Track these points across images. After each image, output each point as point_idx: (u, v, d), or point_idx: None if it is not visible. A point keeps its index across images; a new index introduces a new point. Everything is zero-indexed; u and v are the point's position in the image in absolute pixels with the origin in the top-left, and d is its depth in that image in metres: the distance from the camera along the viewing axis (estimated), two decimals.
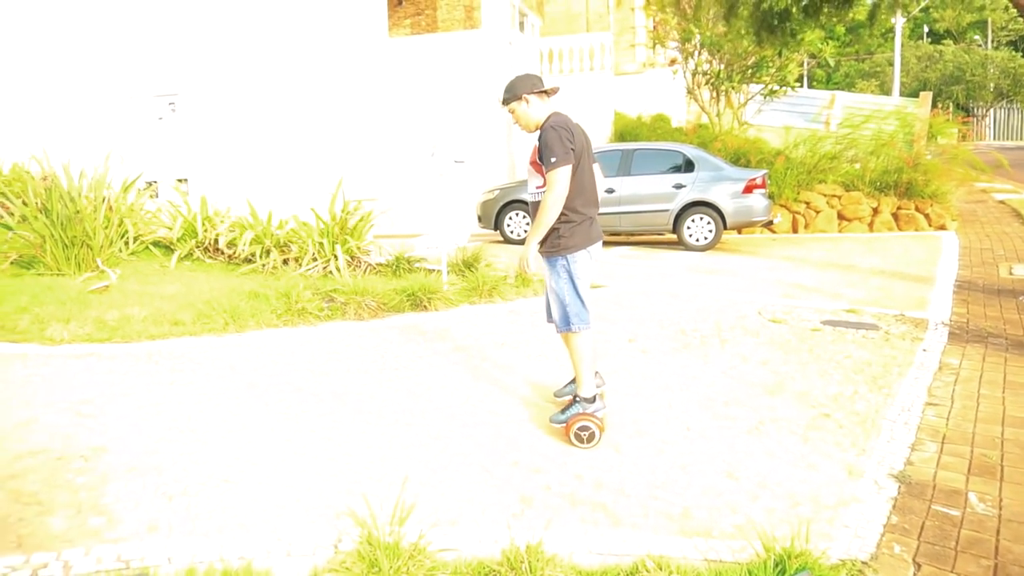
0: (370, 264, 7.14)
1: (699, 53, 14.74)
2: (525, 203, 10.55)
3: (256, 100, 8.38)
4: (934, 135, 14.17)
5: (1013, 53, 36.29)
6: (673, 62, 15.75)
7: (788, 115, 17.71)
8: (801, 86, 20.20)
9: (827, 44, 14.14)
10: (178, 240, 7.33)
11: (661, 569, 2.31)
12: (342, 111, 8.80)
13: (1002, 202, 13.04)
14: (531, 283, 6.56)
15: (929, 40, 42.87)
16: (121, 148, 7.93)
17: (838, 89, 33.08)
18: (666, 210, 9.89)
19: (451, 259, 6.93)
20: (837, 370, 4.50)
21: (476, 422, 3.63)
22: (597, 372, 3.70)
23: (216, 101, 8.46)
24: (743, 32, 12.45)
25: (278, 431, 3.39)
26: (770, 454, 3.34)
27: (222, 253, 7.34)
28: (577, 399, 3.51)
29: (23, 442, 3.03)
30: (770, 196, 10.38)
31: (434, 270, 6.81)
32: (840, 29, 14.30)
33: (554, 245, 3.39)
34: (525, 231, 10.58)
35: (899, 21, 28.43)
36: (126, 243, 6.81)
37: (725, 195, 9.70)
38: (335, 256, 6.75)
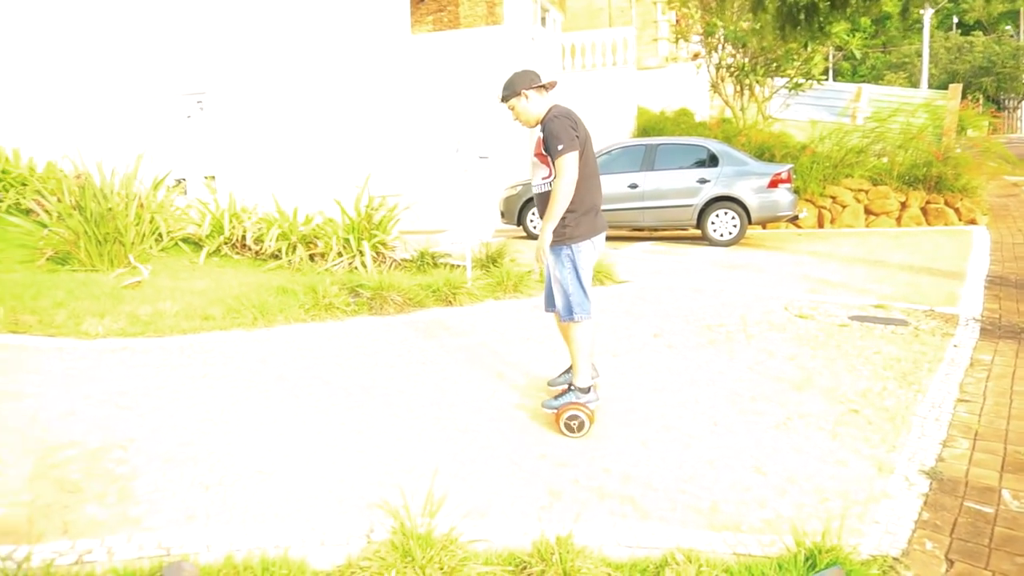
0: (395, 260, 7.20)
1: (723, 47, 14.62)
2: None
3: (282, 97, 8.47)
4: (964, 128, 13.94)
5: None
6: (696, 56, 15.63)
7: (813, 109, 17.50)
8: (826, 79, 19.92)
9: (853, 36, 13.91)
10: (206, 236, 7.44)
11: (691, 562, 2.32)
12: (366, 108, 8.87)
13: None
14: None
15: (959, 31, 42.05)
16: (151, 146, 8.07)
17: (864, 82, 32.58)
18: (690, 205, 9.84)
19: (475, 254, 6.96)
20: (866, 366, 4.46)
21: (503, 416, 3.65)
22: (593, 365, 3.73)
23: (243, 99, 8.57)
24: (769, 26, 12.33)
25: (309, 424, 3.45)
26: (798, 449, 3.33)
27: (249, 249, 7.44)
28: (572, 388, 3.55)
29: (65, 433, 3.11)
30: (795, 191, 10.28)
31: (458, 265, 6.85)
32: (866, 21, 14.04)
33: (559, 235, 3.42)
34: None
35: (927, 12, 27.93)
36: (156, 239, 6.93)
37: (750, 190, 9.62)
38: (360, 252, 6.82)
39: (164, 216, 7.21)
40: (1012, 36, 39.36)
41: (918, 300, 6.13)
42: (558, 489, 2.93)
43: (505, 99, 3.53)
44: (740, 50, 14.41)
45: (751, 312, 5.75)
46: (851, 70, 41.89)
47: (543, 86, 3.50)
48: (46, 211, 6.34)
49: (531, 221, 10.70)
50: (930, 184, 11.38)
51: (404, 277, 6.48)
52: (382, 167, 8.42)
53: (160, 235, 7.00)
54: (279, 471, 2.94)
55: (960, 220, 11.01)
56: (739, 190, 9.64)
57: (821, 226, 11.63)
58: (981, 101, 32.04)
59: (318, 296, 5.41)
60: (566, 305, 3.49)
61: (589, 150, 3.45)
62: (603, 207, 9.54)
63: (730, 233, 9.76)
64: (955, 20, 43.28)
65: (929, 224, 11.14)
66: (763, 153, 12.05)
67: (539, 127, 3.49)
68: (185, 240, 7.45)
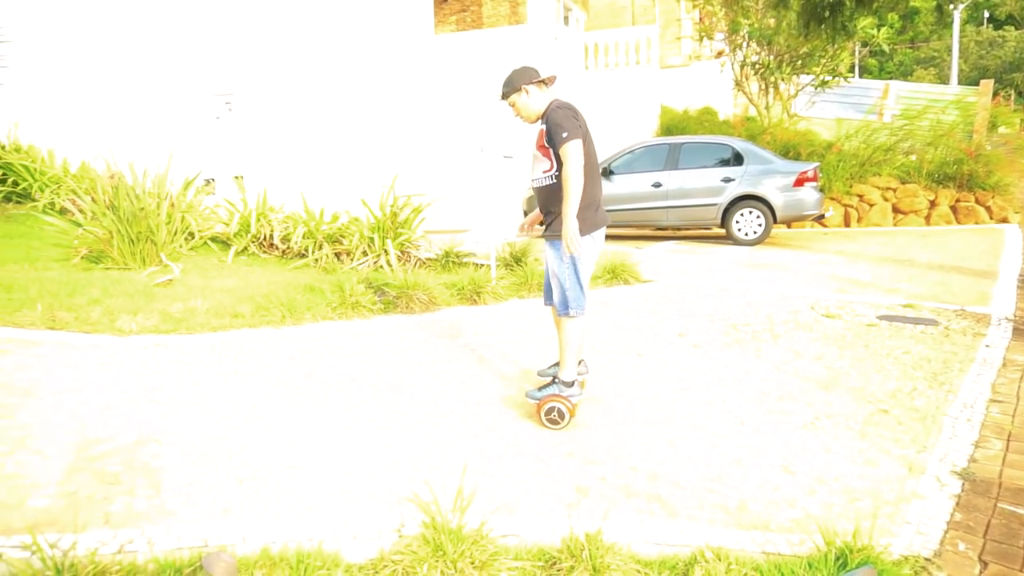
0: (419, 258, 7.26)
1: (747, 44, 14.50)
2: None
3: (308, 98, 8.57)
4: (995, 125, 13.69)
5: None
6: (720, 54, 15.53)
7: (840, 107, 17.31)
8: (853, 76, 19.67)
9: (879, 31, 13.72)
10: (234, 235, 7.56)
11: (720, 560, 2.32)
12: (390, 108, 8.94)
13: None
14: None
15: (990, 26, 41.23)
16: (180, 146, 8.22)
17: (892, 79, 32.08)
18: (714, 204, 9.79)
19: (500, 254, 7.00)
20: (895, 366, 4.42)
21: (529, 413, 3.68)
22: (582, 360, 3.78)
23: (270, 100, 8.68)
24: (793, 24, 12.21)
25: (338, 420, 3.50)
26: (827, 449, 3.32)
27: (276, 248, 7.55)
28: (556, 380, 3.59)
29: (103, 427, 3.19)
30: (821, 189, 10.18)
31: (483, 265, 6.88)
32: (893, 16, 13.82)
33: (558, 228, 3.43)
34: None
35: (958, 8, 27.43)
36: (186, 238, 7.05)
37: (775, 188, 9.55)
38: (385, 251, 6.88)
39: (194, 215, 7.33)
40: None
41: (948, 299, 6.05)
42: (585, 486, 2.95)
43: (505, 95, 3.56)
44: (765, 48, 14.28)
45: (777, 312, 5.72)
46: (878, 67, 41.27)
47: (543, 81, 3.54)
48: (80, 210, 6.49)
49: None
50: (961, 182, 11.21)
51: (429, 276, 6.53)
52: (407, 166, 8.49)
53: (190, 234, 7.13)
54: (310, 466, 2.99)
55: (991, 218, 10.83)
56: (764, 189, 9.57)
57: (847, 225, 11.50)
58: (1013, 97, 31.40)
59: (345, 295, 5.47)
60: (562, 299, 3.53)
61: (589, 144, 3.48)
62: (627, 206, 9.61)
63: (755, 232, 9.69)
64: (986, 15, 42.46)
65: (959, 223, 10.97)
66: (788, 151, 11.95)
67: (540, 121, 3.52)
68: (213, 239, 7.58)
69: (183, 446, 3.08)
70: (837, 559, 2.30)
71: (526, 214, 11.05)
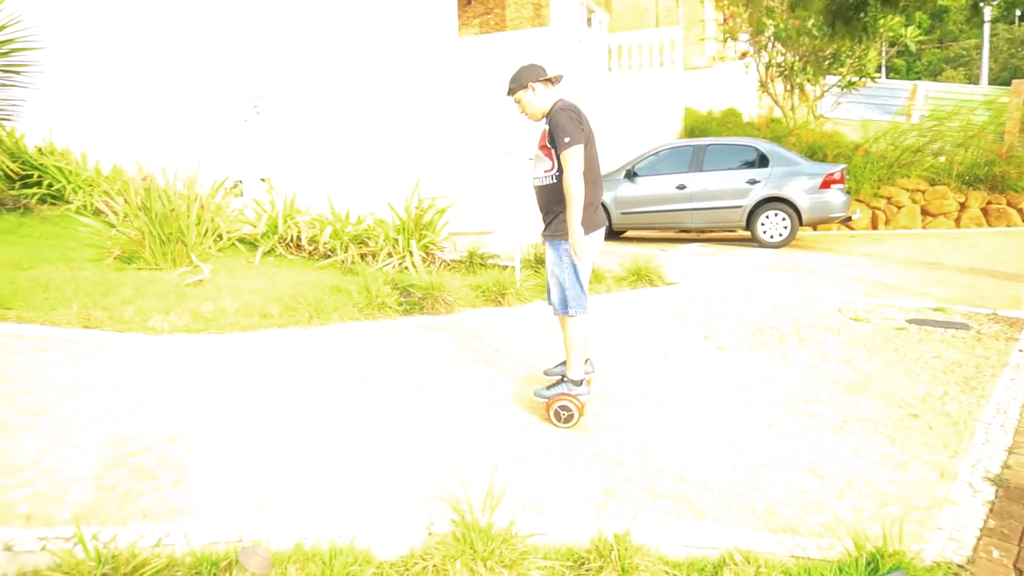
0: (444, 260, 7.31)
1: (772, 45, 14.38)
2: None
3: (334, 101, 8.67)
4: None
5: None
6: (744, 55, 15.42)
7: (866, 108, 17.10)
8: (880, 77, 19.40)
9: (908, 31, 13.53)
10: (261, 236, 7.66)
11: (749, 563, 2.32)
12: (415, 110, 9.01)
13: None
14: (604, 279, 6.57)
15: (1022, 23, 40.42)
16: (209, 149, 8.35)
17: (919, 79, 31.59)
18: (739, 206, 9.73)
19: (524, 255, 7.02)
20: (925, 370, 4.36)
21: None
22: (588, 359, 3.80)
23: (296, 103, 8.79)
24: (817, 23, 12.10)
25: (367, 419, 3.54)
26: (856, 453, 3.29)
27: (302, 249, 7.64)
28: (564, 379, 3.61)
29: (139, 424, 3.26)
30: (848, 191, 10.07)
31: (507, 266, 6.91)
32: (921, 15, 13.63)
33: (558, 229, 3.48)
34: None
35: (988, 6, 26.97)
36: (215, 239, 7.16)
37: (801, 190, 9.46)
38: (410, 252, 6.93)
39: (222, 217, 7.45)
40: None
41: (979, 303, 5.96)
42: (612, 487, 2.95)
43: (511, 92, 3.59)
44: (790, 49, 14.16)
45: (803, 315, 5.67)
46: (906, 67, 40.67)
47: (550, 79, 3.56)
48: (114, 212, 6.62)
49: None
50: (992, 184, 11.03)
51: (453, 277, 6.57)
52: (431, 169, 8.55)
53: (219, 235, 7.23)
54: (340, 464, 3.04)
55: None
56: (790, 191, 9.49)
57: (875, 228, 11.36)
58: None
59: (371, 296, 5.53)
60: (562, 299, 3.56)
61: (592, 146, 3.50)
62: (651, 208, 9.60)
63: (780, 235, 9.61)
64: (1018, 13, 41.62)
65: (990, 225, 10.79)
66: (814, 153, 11.84)
67: (544, 120, 3.55)
68: (241, 240, 7.69)
69: (216, 443, 3.14)
70: (868, 564, 2.29)
71: None
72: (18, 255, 6.01)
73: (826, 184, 9.41)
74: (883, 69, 31.97)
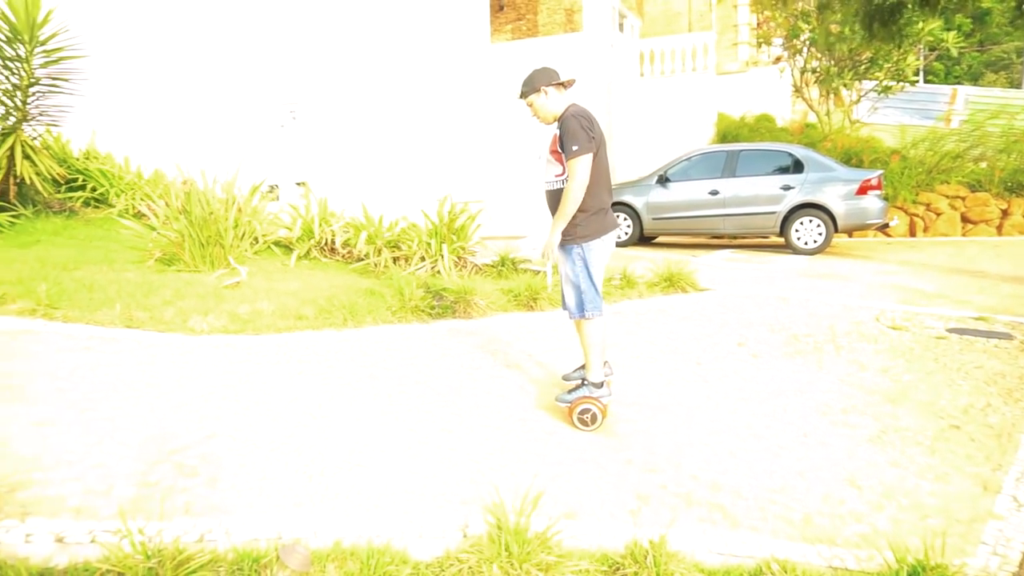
0: (476, 264, 7.35)
1: (807, 50, 14.20)
2: (625, 205, 10.52)
3: (368, 106, 8.78)
4: None
5: None
6: (778, 60, 15.25)
7: (904, 113, 16.78)
8: (917, 81, 19.02)
9: (948, 35, 13.26)
10: (296, 240, 7.79)
11: (786, 573, 2.30)
12: (448, 116, 9.08)
13: None
14: (636, 285, 6.55)
15: None
16: (247, 153, 8.52)
17: (959, 83, 30.88)
18: (773, 212, 9.62)
19: (555, 260, 7.01)
20: (966, 380, 4.27)
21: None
22: (607, 362, 3.81)
23: (332, 108, 8.93)
24: (851, 26, 11.92)
25: (401, 421, 3.58)
26: (894, 464, 3.24)
27: (336, 252, 7.74)
28: (585, 383, 3.63)
29: (180, 422, 3.34)
30: (885, 198, 9.90)
31: (539, 271, 6.92)
32: (960, 17, 13.32)
33: (570, 234, 3.51)
34: (626, 233, 10.55)
35: None
36: (252, 242, 7.30)
37: (836, 196, 9.33)
38: (442, 256, 6.99)
39: (259, 220, 7.58)
40: None
41: (1023, 313, 5.81)
42: (646, 494, 2.95)
43: (524, 95, 3.62)
44: (826, 53, 13.97)
45: (839, 322, 5.59)
46: (944, 71, 39.79)
47: (562, 83, 3.59)
48: (155, 214, 6.79)
49: None
50: None
51: (485, 282, 6.60)
52: (463, 173, 8.61)
53: (255, 238, 7.37)
54: (376, 464, 3.07)
55: None
56: (825, 197, 9.36)
57: (913, 235, 11.15)
58: None
59: (404, 299, 5.58)
60: (578, 303, 3.60)
61: (603, 152, 3.52)
62: (683, 214, 9.60)
63: (815, 241, 9.48)
64: None
65: None
66: (850, 159, 11.67)
67: (556, 124, 3.58)
68: (276, 243, 7.82)
69: (254, 442, 3.20)
70: None
71: None
72: (64, 256, 6.18)
73: (863, 190, 9.26)
74: (921, 73, 31.33)
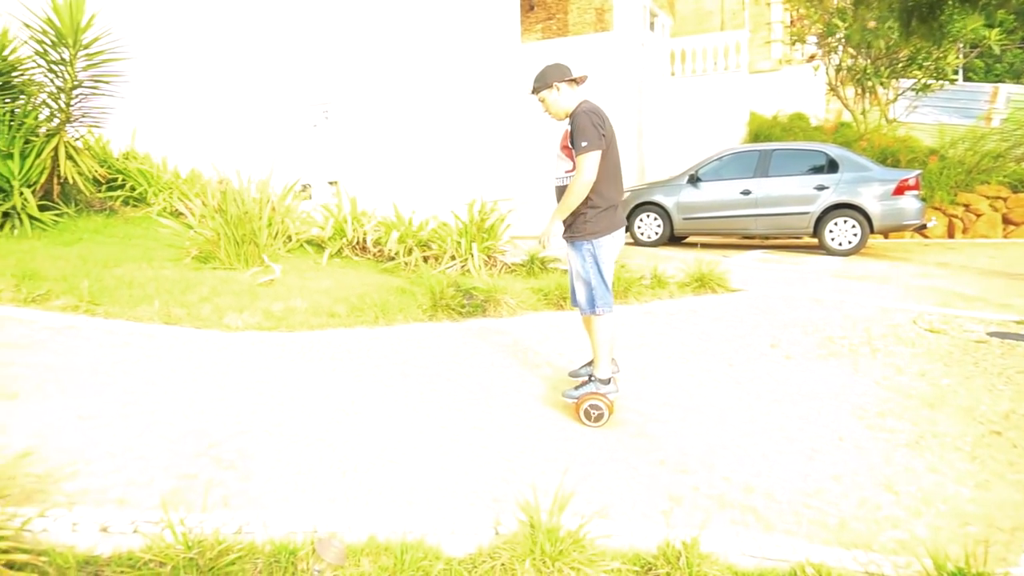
0: (505, 263, 7.36)
1: (843, 48, 13.97)
2: (656, 205, 10.46)
3: (399, 106, 8.86)
4: None
5: None
6: (813, 58, 15.03)
7: (943, 111, 16.41)
8: (957, 79, 18.57)
9: (991, 32, 12.94)
10: (329, 239, 7.88)
11: None
12: (478, 115, 9.12)
13: None
14: (666, 285, 6.51)
15: None
16: (280, 153, 8.65)
17: (1000, 81, 30.09)
18: (806, 212, 9.49)
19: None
20: (1008, 385, 4.17)
21: (620, 419, 3.69)
22: (614, 360, 3.81)
23: (363, 109, 9.02)
24: (890, 23, 11.69)
25: (433, 418, 3.61)
26: (933, 469, 3.17)
27: (367, 251, 7.82)
28: (592, 379, 3.64)
29: (217, 416, 3.41)
30: (923, 198, 9.69)
31: (568, 270, 6.91)
32: (1003, 13, 12.96)
33: (580, 230, 3.53)
34: (656, 233, 10.49)
35: None
36: (285, 241, 7.40)
37: (872, 197, 9.16)
38: (472, 255, 7.02)
39: (292, 219, 7.69)
40: None
41: None
42: (678, 495, 2.93)
43: (536, 91, 3.63)
44: (862, 51, 13.72)
45: (875, 325, 5.50)
46: (984, 68, 38.79)
47: (574, 80, 3.61)
48: (192, 213, 6.92)
49: (639, 228, 10.63)
50: None
51: (515, 281, 6.62)
52: (494, 173, 8.64)
53: (288, 237, 7.48)
54: (408, 461, 3.11)
55: None
56: (861, 197, 9.20)
57: (951, 236, 10.91)
58: None
59: (435, 297, 5.62)
60: (588, 299, 3.62)
61: (613, 149, 3.53)
62: (714, 214, 9.55)
63: (850, 242, 9.33)
64: None
65: None
66: (886, 158, 11.46)
67: (567, 121, 3.59)
68: (309, 241, 7.92)
69: (289, 437, 3.25)
70: None
71: None
72: (105, 254, 6.34)
73: (899, 190, 9.08)
74: (960, 71, 30.59)
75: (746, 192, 9.82)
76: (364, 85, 9.04)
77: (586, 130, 3.38)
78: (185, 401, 3.56)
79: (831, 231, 9.42)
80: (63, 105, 7.10)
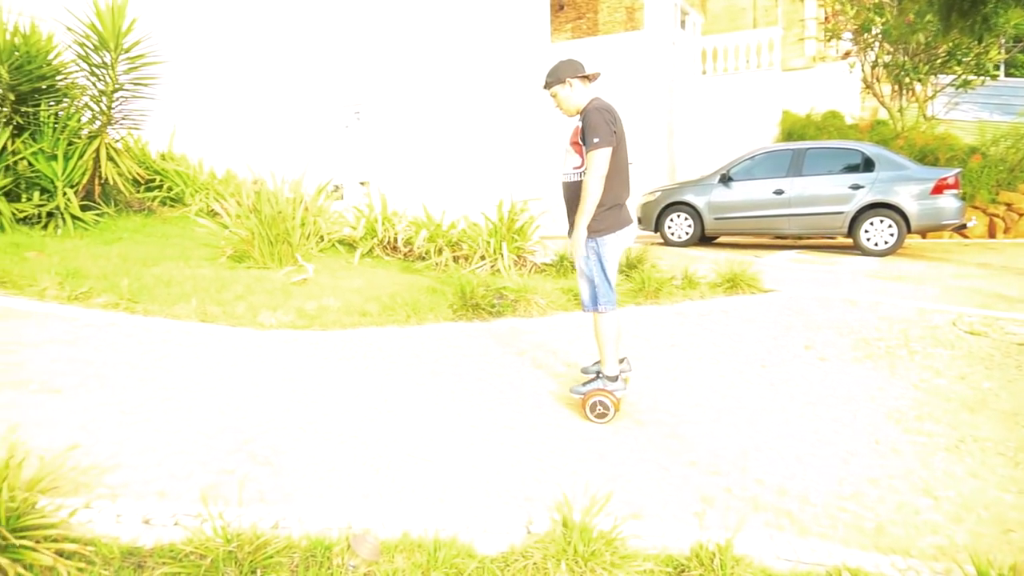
0: (535, 263, 7.37)
1: (879, 44, 13.69)
2: (686, 204, 10.38)
3: (429, 107, 8.91)
4: None
5: None
6: (848, 55, 14.75)
7: (983, 108, 16.00)
8: (999, 75, 18.08)
9: None
10: (360, 238, 7.97)
11: None
12: (508, 116, 9.14)
13: None
14: (697, 285, 6.46)
15: None
16: (313, 154, 8.76)
17: None
18: (841, 212, 9.32)
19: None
20: None
21: (651, 420, 3.67)
22: (625, 359, 3.85)
23: (394, 110, 9.10)
24: (930, 17, 11.44)
25: (464, 417, 3.63)
26: (973, 474, 3.11)
27: (398, 251, 7.89)
28: (600, 375, 3.67)
29: (253, 413, 3.47)
30: (963, 197, 9.46)
31: None
32: None
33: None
34: (687, 233, 10.41)
35: None
36: (317, 241, 7.50)
37: (909, 196, 8.97)
38: (502, 255, 7.04)
39: (324, 219, 7.79)
40: None
41: None
42: (710, 496, 2.91)
43: (548, 86, 3.66)
44: (899, 47, 13.43)
45: (913, 327, 5.39)
46: None
47: (587, 76, 3.63)
48: (227, 213, 7.05)
49: (669, 228, 10.56)
50: None
51: (545, 281, 6.62)
52: (524, 173, 8.65)
53: (321, 236, 7.58)
54: (440, 459, 3.13)
55: None
56: (897, 196, 9.02)
57: (992, 236, 10.64)
58: None
59: (465, 297, 5.65)
60: (592, 296, 3.66)
61: (622, 147, 3.55)
62: (746, 214, 9.47)
63: (886, 242, 9.15)
64: None
65: None
66: (925, 157, 11.21)
67: (578, 117, 3.61)
68: (340, 241, 8.02)
69: (323, 434, 3.30)
70: None
71: (640, 220, 10.98)
72: (144, 253, 6.49)
73: (938, 189, 8.88)
74: (1002, 67, 29.75)
75: (779, 192, 9.69)
76: (395, 86, 9.12)
77: (598, 127, 3.41)
78: (221, 397, 3.63)
79: (866, 231, 9.25)
80: (104, 108, 7.29)
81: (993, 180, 10.73)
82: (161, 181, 8.85)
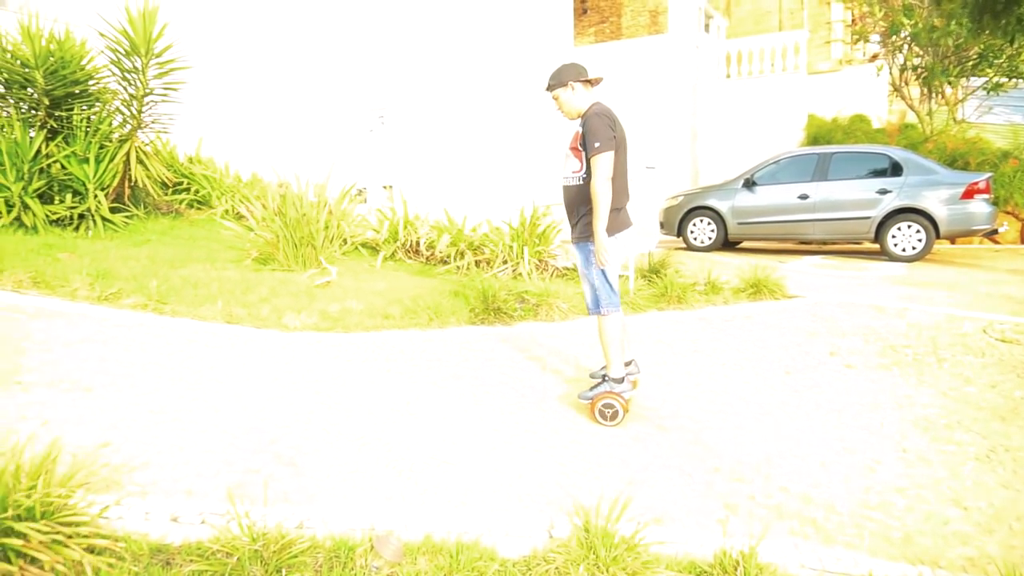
0: (557, 268, 7.37)
1: (908, 46, 13.49)
2: (709, 209, 10.31)
3: (453, 111, 8.96)
4: None
5: None
6: (875, 57, 14.56)
7: (1016, 111, 15.70)
8: None
9: None
10: (383, 242, 8.02)
11: None
12: (531, 120, 9.15)
13: None
14: (721, 291, 6.41)
15: None
16: (337, 157, 8.84)
17: None
18: (868, 217, 9.20)
19: (638, 265, 6.96)
20: None
21: (673, 426, 3.65)
22: (632, 361, 3.86)
23: (418, 114, 9.16)
24: (960, 19, 11.26)
25: (486, 420, 3.64)
26: (1005, 485, 3.05)
27: (420, 254, 7.93)
28: (606, 378, 3.67)
29: (277, 414, 3.51)
30: (995, 202, 9.29)
31: (621, 275, 6.87)
32: None
33: (585, 232, 3.60)
34: (710, 238, 10.33)
35: None
36: (341, 244, 7.57)
37: (939, 201, 8.83)
38: (523, 260, 7.04)
39: (348, 222, 7.86)
40: None
41: None
42: (734, 503, 2.89)
43: (551, 88, 3.69)
44: (929, 49, 13.22)
45: (941, 334, 5.30)
46: None
47: (589, 80, 3.65)
48: (253, 216, 7.14)
49: (691, 232, 10.49)
50: None
51: (566, 285, 6.61)
52: (546, 177, 8.65)
53: (344, 239, 7.64)
54: (462, 462, 3.14)
55: None
56: (926, 201, 8.87)
57: None
58: None
59: (487, 301, 5.66)
60: (594, 299, 3.68)
61: (623, 151, 3.57)
62: (770, 219, 9.42)
63: (914, 248, 9.00)
64: None
65: None
66: (955, 161, 11.02)
67: (579, 122, 3.63)
68: (363, 244, 8.08)
69: (346, 436, 3.33)
70: None
71: (662, 225, 10.93)
72: (171, 255, 6.60)
73: (968, 194, 8.73)
74: None
75: (804, 196, 9.59)
76: (419, 90, 9.18)
77: (599, 131, 3.43)
78: (246, 398, 3.68)
79: (894, 236, 9.11)
80: (135, 112, 7.41)
81: None
82: (188, 184, 8.98)
